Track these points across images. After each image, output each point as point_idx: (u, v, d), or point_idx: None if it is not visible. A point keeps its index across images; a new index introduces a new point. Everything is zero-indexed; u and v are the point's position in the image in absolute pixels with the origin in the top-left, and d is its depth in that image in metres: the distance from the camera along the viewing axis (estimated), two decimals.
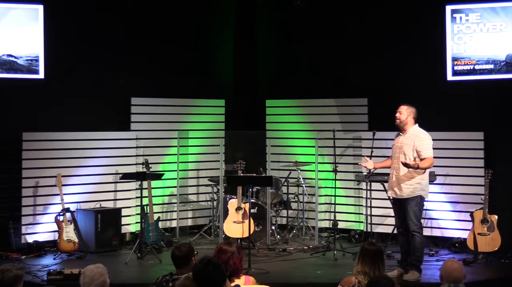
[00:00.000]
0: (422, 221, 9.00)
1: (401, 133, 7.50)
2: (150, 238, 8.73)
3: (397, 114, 7.46)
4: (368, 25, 9.85)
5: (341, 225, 9.47)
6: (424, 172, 7.35)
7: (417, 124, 7.49)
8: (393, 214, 8.87)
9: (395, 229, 7.88)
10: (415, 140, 7.30)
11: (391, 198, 7.59)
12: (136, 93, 9.78)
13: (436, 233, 9.12)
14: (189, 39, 10.30)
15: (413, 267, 7.30)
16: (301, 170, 9.72)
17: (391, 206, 8.86)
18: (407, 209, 7.30)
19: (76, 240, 8.51)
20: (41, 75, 9.04)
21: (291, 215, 10.08)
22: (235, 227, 8.62)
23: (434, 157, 9.04)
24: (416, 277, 7.26)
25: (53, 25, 9.10)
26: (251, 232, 8.34)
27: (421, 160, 7.25)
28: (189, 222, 10.16)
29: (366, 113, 9.79)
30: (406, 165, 7.18)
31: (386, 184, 8.84)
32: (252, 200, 8.85)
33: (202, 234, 9.66)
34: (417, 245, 7.30)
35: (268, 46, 11.01)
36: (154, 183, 9.12)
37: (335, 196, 8.94)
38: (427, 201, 9.02)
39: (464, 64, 9.09)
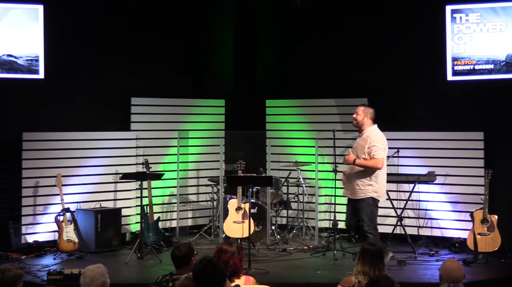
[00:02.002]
0: (423, 221, 9.12)
1: (359, 135, 7.53)
2: (150, 238, 8.74)
3: (354, 115, 7.50)
4: (368, 25, 9.85)
5: (341, 225, 9.46)
6: (378, 174, 7.35)
7: (375, 125, 7.50)
8: (393, 214, 8.94)
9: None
10: (368, 141, 7.34)
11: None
12: (136, 93, 9.78)
13: (436, 233, 9.13)
14: (189, 39, 10.30)
15: None
16: (301, 170, 9.72)
17: (391, 206, 8.92)
18: (360, 210, 7.35)
19: (76, 240, 8.51)
20: (41, 75, 9.04)
21: (291, 215, 10.08)
22: (235, 227, 8.61)
23: (434, 157, 9.13)
24: (389, 256, 7.38)
25: (53, 25, 9.10)
26: (251, 232, 8.34)
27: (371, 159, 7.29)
28: (189, 222, 10.16)
29: None
30: (345, 161, 7.40)
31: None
32: (252, 200, 8.85)
33: (202, 234, 9.66)
34: None
35: (268, 46, 11.01)
36: (154, 183, 9.12)
37: (335, 196, 8.94)
38: (427, 201, 9.11)
39: (464, 64, 9.09)
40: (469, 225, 8.44)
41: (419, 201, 9.14)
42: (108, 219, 8.91)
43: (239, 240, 8.36)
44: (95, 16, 9.46)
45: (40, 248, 8.69)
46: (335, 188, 8.96)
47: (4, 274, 4.38)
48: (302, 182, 9.63)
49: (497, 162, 8.80)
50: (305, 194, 9.70)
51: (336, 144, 8.97)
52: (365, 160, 7.32)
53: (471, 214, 8.38)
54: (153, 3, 9.97)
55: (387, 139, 9.24)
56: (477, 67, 9.04)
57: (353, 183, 7.39)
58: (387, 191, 8.85)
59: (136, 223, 9.36)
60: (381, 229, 9.28)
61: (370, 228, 7.36)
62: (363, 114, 7.46)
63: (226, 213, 8.94)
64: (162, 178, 9.17)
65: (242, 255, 4.96)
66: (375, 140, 7.36)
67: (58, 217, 8.53)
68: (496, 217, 8.25)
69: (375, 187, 7.38)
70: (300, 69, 10.37)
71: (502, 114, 8.93)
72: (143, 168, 9.11)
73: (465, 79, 9.12)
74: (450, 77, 9.16)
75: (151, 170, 9.12)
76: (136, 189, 9.08)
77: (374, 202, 7.43)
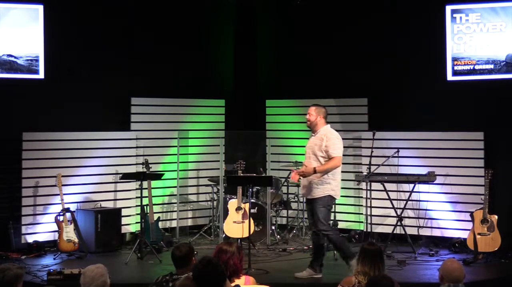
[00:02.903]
0: (423, 221, 9.12)
1: (312, 134, 7.47)
2: (150, 238, 8.73)
3: (307, 116, 7.40)
4: (368, 25, 9.85)
5: (341, 225, 9.48)
6: (335, 172, 7.31)
7: (328, 125, 7.45)
8: (393, 214, 8.93)
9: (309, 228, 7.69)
10: (324, 140, 7.27)
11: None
12: (136, 93, 9.78)
13: (436, 233, 9.13)
14: (189, 39, 10.30)
15: (346, 258, 7.18)
16: None
17: (391, 206, 8.92)
18: (315, 209, 7.27)
19: (76, 240, 8.51)
20: (41, 75, 9.04)
21: (291, 215, 10.07)
22: (235, 227, 8.61)
23: (434, 157, 9.13)
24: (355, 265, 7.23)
25: (53, 25, 9.10)
26: (251, 232, 8.34)
27: (330, 159, 7.24)
28: (189, 222, 10.16)
29: (366, 113, 9.79)
30: (303, 175, 7.20)
31: (386, 184, 8.90)
32: (252, 200, 8.85)
33: (202, 234, 9.66)
34: (336, 243, 7.30)
35: (268, 46, 11.01)
36: (154, 183, 9.11)
37: None
38: (427, 201, 9.11)
39: (464, 64, 9.09)
40: (469, 225, 8.44)
41: (419, 201, 9.14)
42: (108, 219, 8.91)
43: (239, 240, 8.36)
44: (95, 16, 9.46)
45: (40, 248, 8.68)
46: None
47: (4, 274, 4.38)
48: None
49: (497, 162, 8.80)
50: None
51: None
52: (325, 162, 7.22)
53: (471, 214, 8.38)
54: (153, 3, 9.97)
55: (387, 139, 9.32)
56: (477, 67, 9.04)
57: (311, 181, 7.27)
58: (388, 190, 8.89)
59: (136, 223, 9.36)
60: (381, 229, 9.34)
61: (326, 227, 7.26)
62: (316, 114, 7.37)
63: (226, 213, 8.94)
64: (162, 178, 9.16)
65: (242, 255, 4.96)
66: (331, 139, 7.30)
67: (58, 217, 8.53)
68: (496, 217, 8.25)
69: (333, 185, 7.30)
70: (300, 69, 10.36)
71: (502, 114, 8.93)
72: (143, 168, 9.11)
73: (465, 79, 9.12)
74: (450, 77, 9.17)
75: (151, 170, 9.12)
76: (136, 189, 9.08)
77: (331, 200, 7.37)
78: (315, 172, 7.17)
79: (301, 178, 7.37)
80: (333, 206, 8.99)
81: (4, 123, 8.85)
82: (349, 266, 7.01)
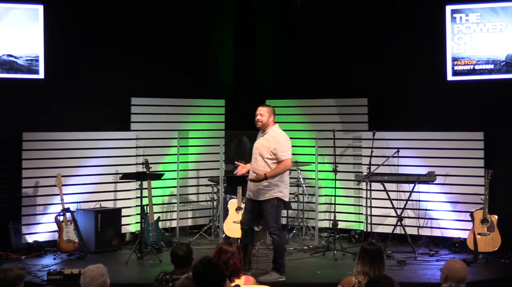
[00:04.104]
0: (423, 221, 9.12)
1: (261, 134, 7.41)
2: (150, 238, 8.74)
3: (258, 117, 7.28)
4: (368, 25, 9.85)
5: (341, 225, 9.47)
6: (284, 174, 7.26)
7: (277, 125, 7.40)
8: (393, 214, 8.93)
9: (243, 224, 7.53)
10: (273, 142, 7.20)
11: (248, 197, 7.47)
12: (136, 93, 9.78)
13: (436, 233, 9.13)
14: (189, 39, 10.30)
15: (275, 269, 7.22)
16: (301, 170, 9.72)
17: (391, 206, 8.92)
18: (264, 212, 7.22)
19: (76, 240, 8.51)
20: (41, 75, 9.04)
21: (291, 215, 10.07)
22: (235, 227, 8.61)
23: (434, 157, 9.13)
24: (277, 279, 7.14)
25: (53, 25, 9.10)
26: None
27: (279, 162, 7.17)
28: (189, 222, 10.16)
29: (366, 113, 9.79)
30: (253, 181, 7.15)
31: (386, 184, 8.90)
32: None
33: (202, 234, 9.67)
34: (277, 247, 7.26)
35: (268, 46, 11.01)
36: (154, 183, 9.11)
37: (335, 196, 8.95)
38: (427, 201, 9.11)
39: (464, 64, 9.09)
40: (469, 225, 8.44)
41: (419, 201, 9.14)
42: (108, 219, 8.91)
43: (239, 240, 8.36)
44: (95, 16, 9.46)
45: (40, 248, 8.68)
46: (335, 188, 8.95)
47: (6, 274, 4.38)
48: (302, 182, 9.63)
49: (497, 162, 8.80)
50: (305, 194, 9.70)
51: (336, 144, 8.99)
52: (275, 167, 7.15)
53: (471, 214, 8.39)
54: (153, 3, 9.97)
55: (387, 139, 9.31)
56: (477, 67, 9.04)
57: (260, 184, 7.21)
58: (388, 190, 8.89)
59: (136, 223, 9.36)
60: (381, 229, 9.34)
61: (275, 229, 7.21)
62: (268, 114, 7.28)
63: (226, 213, 8.95)
64: (162, 178, 9.17)
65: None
66: (280, 141, 7.23)
67: (58, 217, 8.53)
68: (496, 217, 8.25)
69: (281, 187, 7.25)
70: (300, 69, 10.36)
71: (502, 114, 8.93)
72: (143, 168, 9.11)
73: (465, 79, 9.12)
74: (450, 77, 9.16)
75: (151, 170, 9.12)
76: (136, 189, 9.08)
77: (279, 202, 7.29)
78: (266, 178, 7.11)
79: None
80: (334, 206, 9.06)
81: (4, 123, 8.85)
82: (269, 274, 7.07)
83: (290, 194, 9.71)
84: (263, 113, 7.28)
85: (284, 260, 7.36)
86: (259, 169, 7.20)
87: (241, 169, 7.57)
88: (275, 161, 7.20)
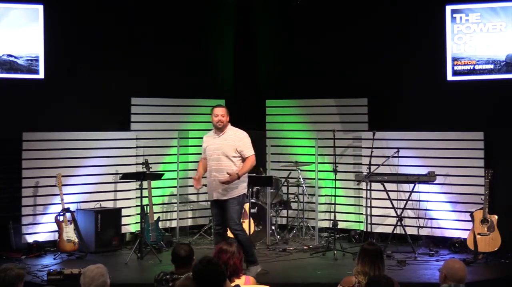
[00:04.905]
0: (423, 221, 9.12)
1: (215, 134, 7.49)
2: (150, 238, 8.74)
3: (220, 118, 7.40)
4: (368, 25, 9.85)
5: (341, 225, 9.47)
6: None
7: (229, 124, 7.53)
8: (393, 214, 8.93)
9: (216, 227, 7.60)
10: (235, 140, 7.36)
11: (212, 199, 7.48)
12: (136, 93, 9.78)
13: (436, 233, 9.12)
14: (189, 39, 10.30)
15: (250, 263, 7.29)
16: (301, 170, 9.72)
17: (391, 206, 8.91)
18: (229, 209, 7.29)
19: (76, 240, 8.51)
20: (41, 75, 9.04)
21: (291, 215, 10.08)
22: None
23: (434, 157, 9.14)
24: (258, 270, 7.30)
25: (53, 25, 9.10)
26: (251, 232, 8.33)
27: (244, 159, 7.33)
28: (189, 222, 10.16)
29: (366, 113, 9.79)
30: (228, 182, 7.21)
31: (386, 184, 8.90)
32: (252, 200, 8.87)
33: (202, 234, 9.67)
34: (244, 242, 7.29)
35: (268, 46, 11.01)
36: (154, 183, 9.12)
37: (335, 196, 8.95)
38: (427, 201, 9.11)
39: (464, 64, 9.09)
40: (469, 225, 8.44)
41: (419, 201, 9.14)
42: (108, 219, 8.91)
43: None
44: (95, 16, 9.46)
45: (40, 248, 8.68)
46: (335, 188, 8.96)
47: (6, 274, 4.39)
48: (302, 182, 9.63)
49: (497, 162, 8.80)
50: (305, 194, 9.70)
51: (336, 144, 8.99)
52: (243, 165, 7.31)
53: (471, 214, 8.39)
54: (153, 3, 9.97)
55: (387, 139, 9.32)
56: (477, 67, 9.04)
57: (227, 183, 7.28)
58: (388, 190, 8.89)
59: (136, 223, 9.36)
60: (381, 229, 9.34)
61: (238, 226, 7.33)
62: (227, 115, 7.46)
63: None
64: (162, 178, 9.17)
65: (242, 255, 4.96)
66: (242, 138, 7.41)
67: (58, 217, 8.53)
68: (496, 217, 8.25)
69: (245, 183, 7.47)
70: (300, 69, 10.36)
71: (502, 114, 8.92)
72: (143, 168, 9.11)
73: (465, 79, 9.12)
74: (450, 77, 9.16)
75: (151, 170, 9.12)
76: (136, 189, 9.08)
77: (243, 199, 7.47)
78: (239, 177, 7.23)
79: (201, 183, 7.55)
80: (334, 206, 9.07)
81: (4, 123, 8.85)
82: (249, 271, 7.09)
83: (290, 194, 9.83)
84: (223, 114, 7.45)
85: (252, 249, 7.50)
86: (224, 169, 7.29)
87: (197, 183, 7.60)
88: (240, 158, 7.36)
